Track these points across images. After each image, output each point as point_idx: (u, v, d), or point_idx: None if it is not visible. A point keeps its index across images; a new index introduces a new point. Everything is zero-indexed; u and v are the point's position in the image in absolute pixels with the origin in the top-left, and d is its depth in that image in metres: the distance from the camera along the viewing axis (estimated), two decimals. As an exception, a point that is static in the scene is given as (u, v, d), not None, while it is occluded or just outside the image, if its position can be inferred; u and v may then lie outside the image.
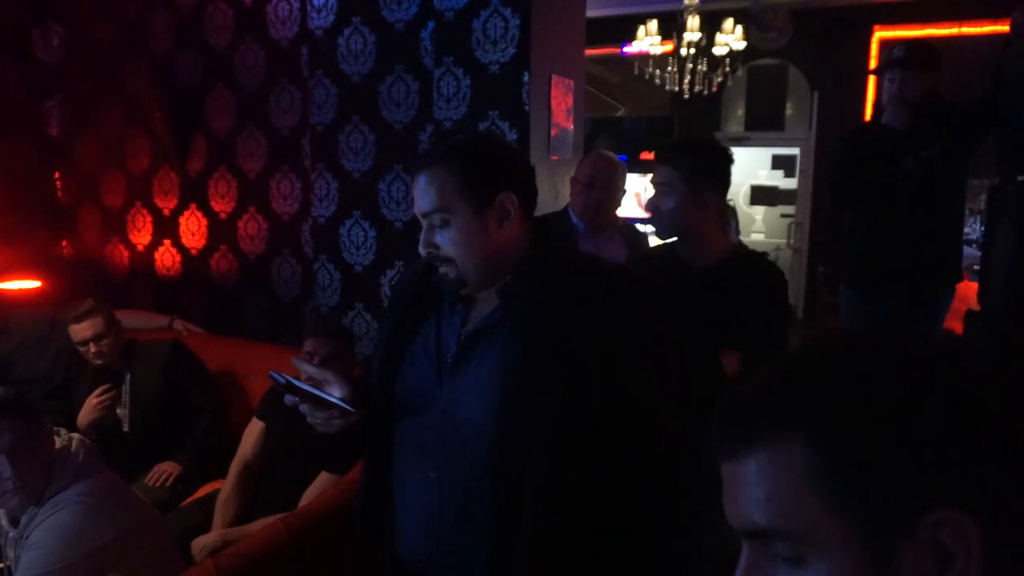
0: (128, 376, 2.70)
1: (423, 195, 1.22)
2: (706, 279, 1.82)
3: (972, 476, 0.52)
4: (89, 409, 2.56)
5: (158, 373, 2.71)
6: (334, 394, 1.24)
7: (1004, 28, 2.67)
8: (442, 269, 1.24)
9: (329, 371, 1.29)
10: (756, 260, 1.93)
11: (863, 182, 2.70)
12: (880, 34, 6.15)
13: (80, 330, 2.63)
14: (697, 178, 1.78)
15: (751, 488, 0.56)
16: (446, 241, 1.21)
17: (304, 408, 1.24)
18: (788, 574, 0.55)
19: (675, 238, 1.89)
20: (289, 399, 1.21)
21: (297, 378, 1.25)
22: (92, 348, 2.64)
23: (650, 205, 1.84)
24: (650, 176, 1.85)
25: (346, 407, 1.21)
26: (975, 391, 0.55)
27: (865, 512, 0.52)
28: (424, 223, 1.23)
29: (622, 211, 2.77)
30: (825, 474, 0.53)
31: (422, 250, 1.24)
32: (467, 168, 1.20)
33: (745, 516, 0.56)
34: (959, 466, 0.52)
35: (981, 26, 5.63)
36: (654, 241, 2.43)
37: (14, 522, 1.65)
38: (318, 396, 1.21)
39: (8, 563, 1.69)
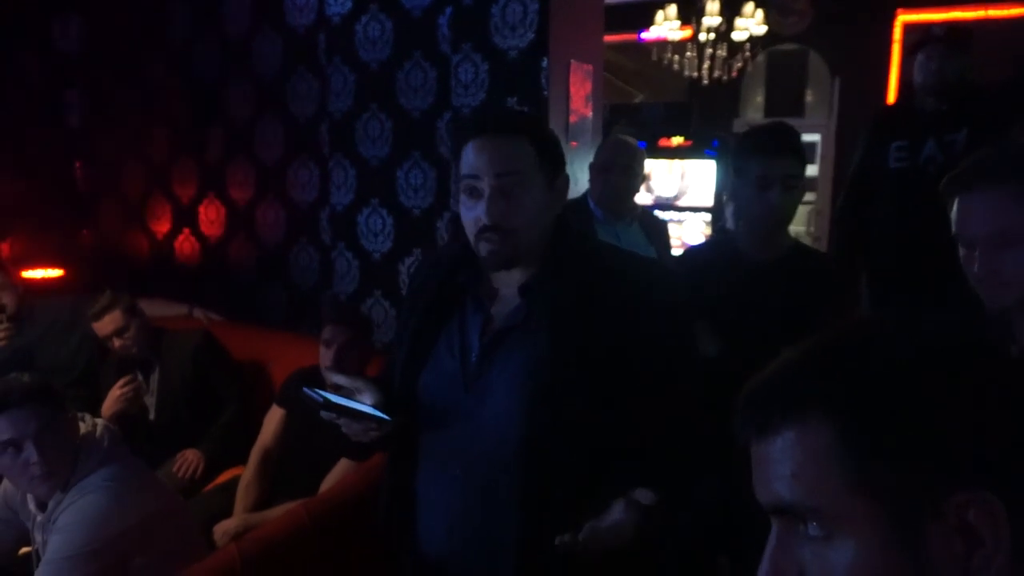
0: (157, 365, 2.72)
1: (500, 155, 1.15)
2: (764, 272, 1.78)
3: (1001, 458, 0.51)
4: (112, 400, 2.58)
5: (188, 363, 2.71)
6: (366, 402, 1.23)
7: (1031, 11, 2.61)
8: (489, 247, 1.17)
9: (360, 379, 1.28)
10: (816, 256, 1.91)
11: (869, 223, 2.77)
12: (903, 18, 6.04)
13: (101, 327, 2.64)
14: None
15: (777, 465, 0.56)
16: (514, 209, 1.16)
17: (342, 422, 1.22)
18: (815, 551, 0.54)
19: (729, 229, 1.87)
20: (326, 415, 1.19)
21: (325, 389, 1.24)
22: (116, 343, 2.66)
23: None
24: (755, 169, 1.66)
25: (382, 416, 1.20)
26: (1006, 373, 0.55)
27: (890, 490, 0.51)
28: (488, 189, 1.15)
29: (641, 198, 2.75)
30: (850, 453, 0.53)
31: (489, 219, 1.15)
32: (542, 142, 1.20)
33: (772, 492, 0.57)
34: (988, 447, 0.51)
35: (1008, 9, 5.52)
36: (674, 229, 2.39)
37: (42, 506, 1.68)
38: (355, 409, 1.20)
39: (36, 546, 1.71)
